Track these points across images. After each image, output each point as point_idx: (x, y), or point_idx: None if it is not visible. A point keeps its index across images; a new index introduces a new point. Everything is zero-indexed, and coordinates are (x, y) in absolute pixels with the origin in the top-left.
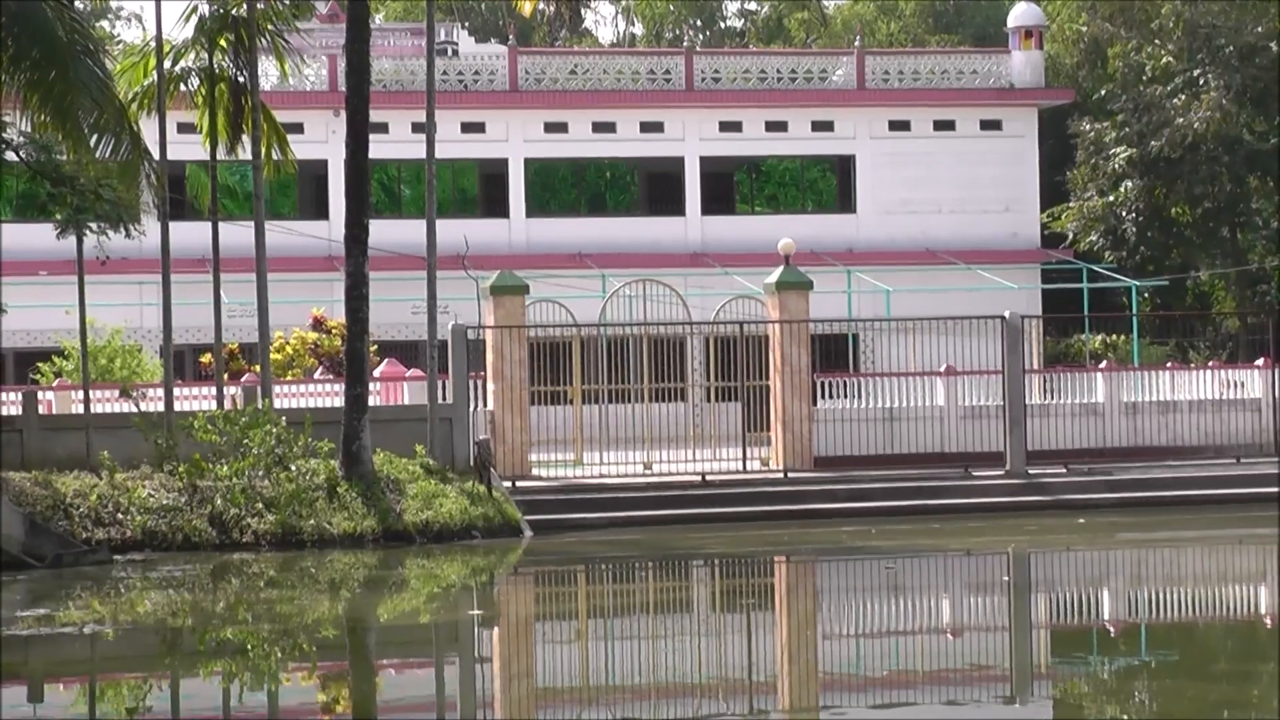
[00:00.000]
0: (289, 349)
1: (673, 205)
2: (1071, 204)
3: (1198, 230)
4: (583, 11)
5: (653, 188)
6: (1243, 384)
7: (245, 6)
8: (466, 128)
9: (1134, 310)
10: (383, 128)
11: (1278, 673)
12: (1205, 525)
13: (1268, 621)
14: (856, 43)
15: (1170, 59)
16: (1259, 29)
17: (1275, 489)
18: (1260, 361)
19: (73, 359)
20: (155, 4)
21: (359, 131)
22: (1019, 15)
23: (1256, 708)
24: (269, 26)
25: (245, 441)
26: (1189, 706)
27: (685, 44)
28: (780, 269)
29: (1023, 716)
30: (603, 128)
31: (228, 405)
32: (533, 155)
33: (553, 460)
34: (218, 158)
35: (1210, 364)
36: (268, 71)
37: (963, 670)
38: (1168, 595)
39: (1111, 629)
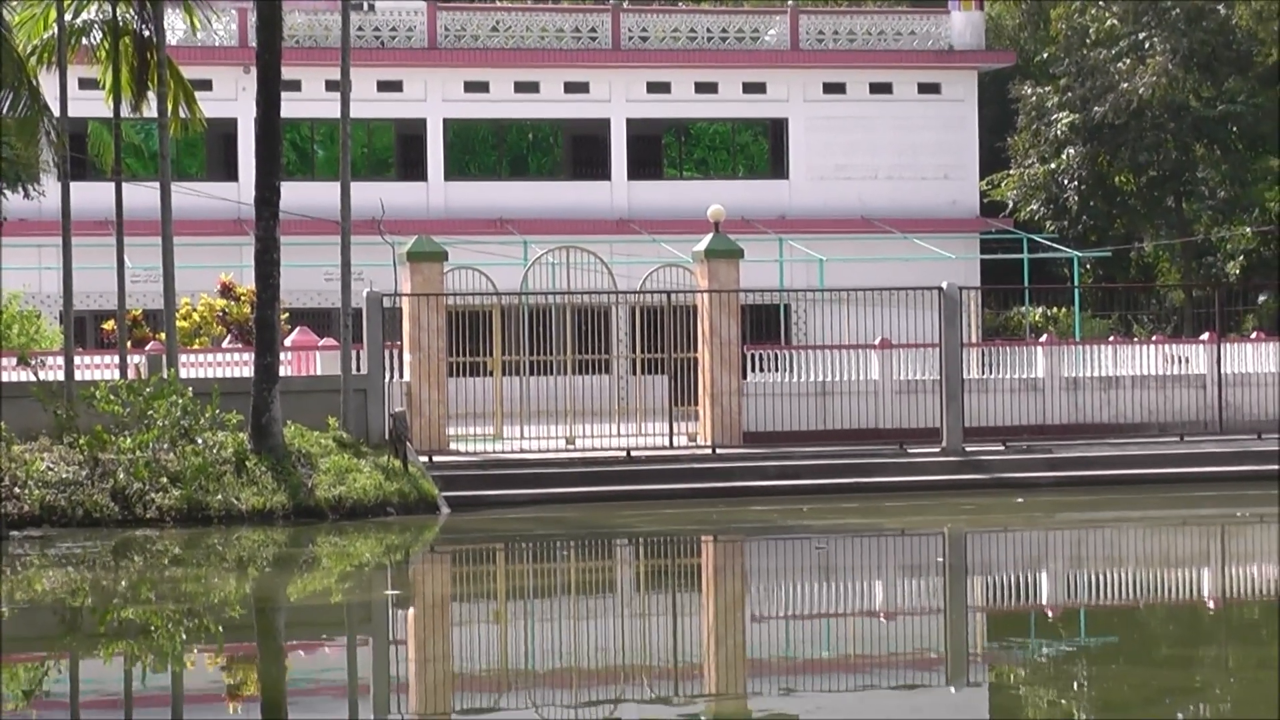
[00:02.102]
0: (196, 316)
1: (598, 169)
2: (1012, 171)
3: (1142, 199)
4: None
5: (577, 151)
6: (1187, 359)
7: None
8: (383, 86)
9: (1075, 282)
10: (295, 85)
11: (1221, 657)
12: (1148, 505)
13: (1210, 605)
14: (790, 2)
15: (1115, 21)
16: None
17: (1214, 469)
18: (1205, 336)
19: None
20: None
21: (270, 89)
22: None
23: (1199, 693)
24: None
25: (149, 413)
26: (1130, 692)
27: (612, 1)
28: (709, 236)
29: (958, 701)
30: (525, 87)
31: (131, 375)
32: (452, 116)
33: (471, 434)
34: (121, 115)
35: (1154, 338)
36: (174, 25)
37: (896, 654)
38: (1108, 578)
39: (1050, 612)
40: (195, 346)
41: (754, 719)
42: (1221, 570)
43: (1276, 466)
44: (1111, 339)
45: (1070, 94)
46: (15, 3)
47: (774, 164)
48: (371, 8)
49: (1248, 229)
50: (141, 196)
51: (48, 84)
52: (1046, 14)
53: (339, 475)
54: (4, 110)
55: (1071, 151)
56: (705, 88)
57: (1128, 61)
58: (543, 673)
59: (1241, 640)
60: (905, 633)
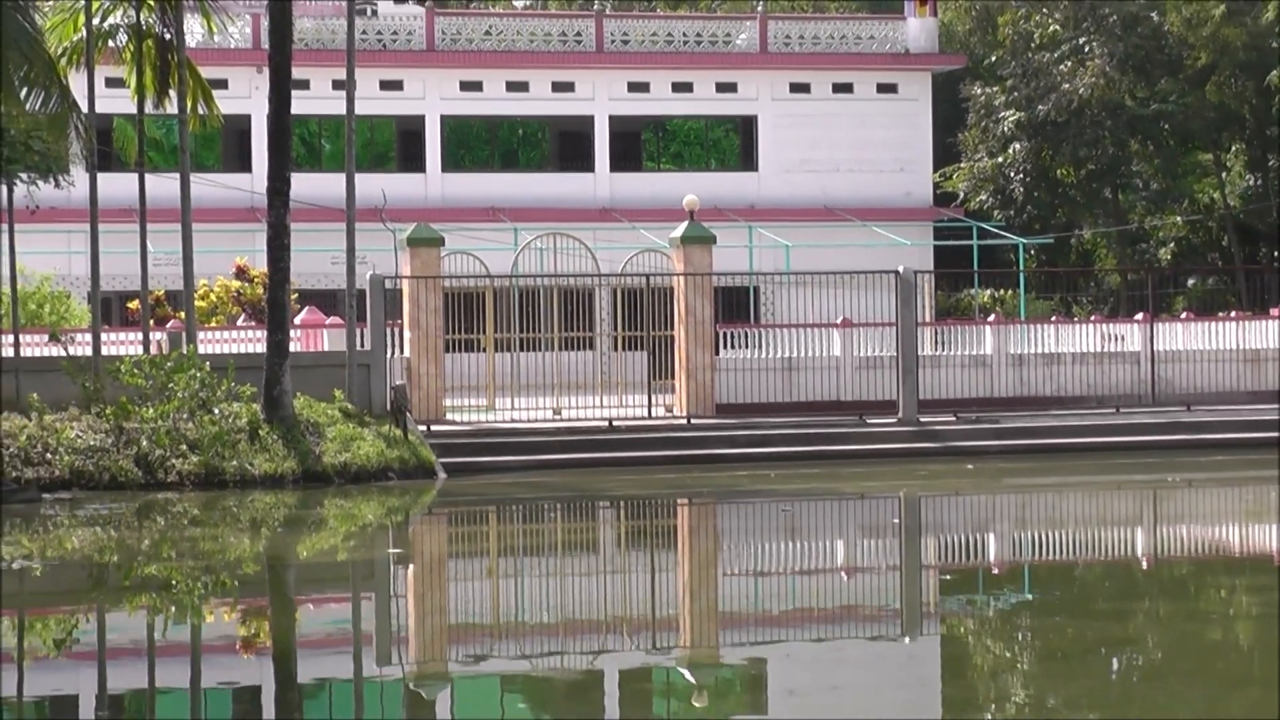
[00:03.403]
0: (213, 296)
1: (583, 162)
2: (962, 165)
3: (1081, 191)
4: None
5: (563, 145)
6: (1123, 337)
7: None
8: (385, 85)
9: (1021, 266)
10: (304, 84)
11: (1153, 610)
12: (1087, 471)
13: (1143, 563)
14: (760, 8)
15: (1057, 27)
16: None
17: (1147, 438)
18: (1139, 316)
19: (3, 304)
20: None
21: (281, 88)
22: None
23: (1133, 643)
24: None
25: (170, 385)
26: (1069, 643)
27: (596, 7)
28: (685, 224)
29: (912, 651)
30: (516, 87)
31: (153, 350)
32: (448, 113)
33: (466, 405)
34: (145, 111)
35: (1092, 318)
36: (193, 29)
37: (855, 608)
38: (1050, 538)
39: (996, 569)
40: (212, 325)
41: (725, 666)
42: (1153, 531)
43: (1205, 436)
44: (1053, 319)
45: (1016, 94)
46: (47, 7)
47: (744, 158)
48: (374, 13)
49: (1178, 218)
50: (163, 187)
51: (77, 83)
52: (994, 20)
53: (344, 443)
54: (36, 107)
55: (1017, 147)
56: (681, 87)
57: (1069, 64)
58: (531, 625)
59: (1171, 595)
60: (864, 588)
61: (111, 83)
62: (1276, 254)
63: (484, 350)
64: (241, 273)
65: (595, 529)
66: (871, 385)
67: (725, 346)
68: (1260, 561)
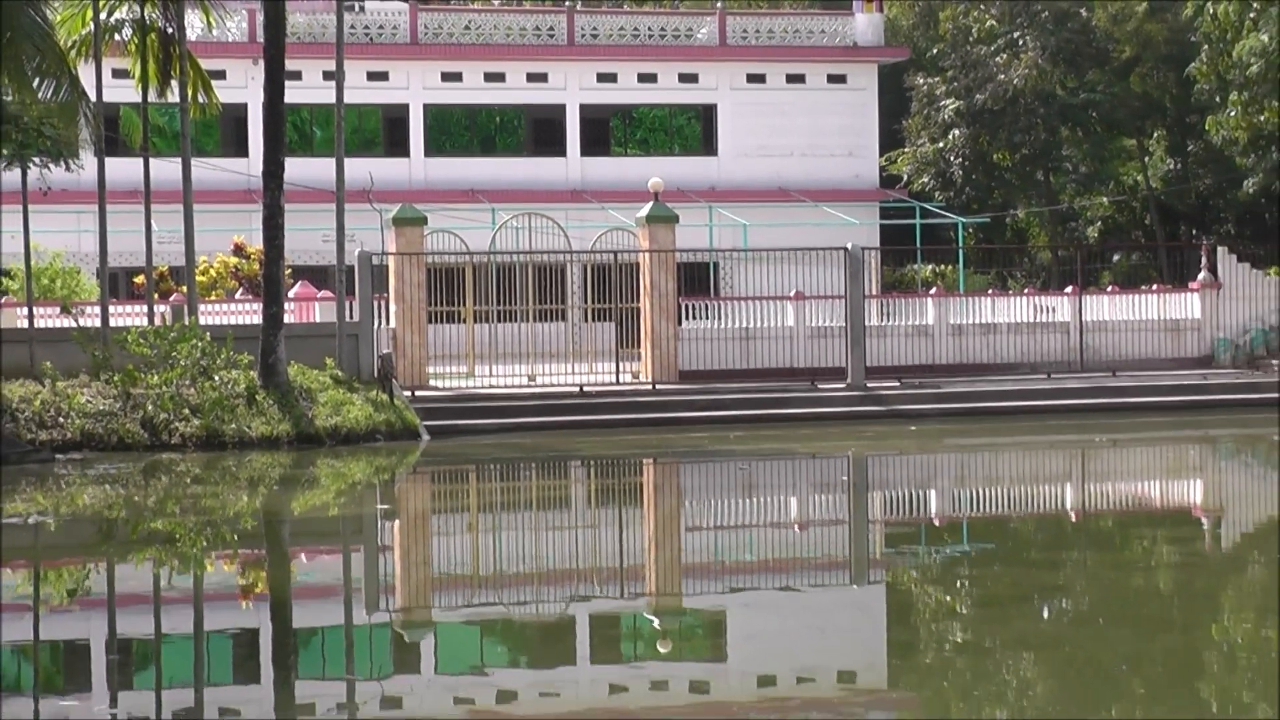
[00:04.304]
0: (213, 272)
1: (555, 147)
2: (906, 150)
3: (1016, 174)
4: None
5: (538, 131)
6: (1054, 309)
7: None
8: (372, 76)
9: (960, 243)
10: (296, 75)
11: (1081, 560)
12: (1021, 432)
13: (1072, 516)
14: (719, 4)
15: (994, 22)
16: None
17: (1076, 401)
18: (1069, 289)
19: (18, 279)
20: None
21: (275, 78)
22: None
23: (1063, 590)
24: None
25: (173, 354)
26: (1005, 589)
27: (567, 3)
28: (650, 204)
29: (859, 597)
30: (493, 77)
31: (158, 322)
32: (431, 101)
33: (448, 373)
34: (148, 100)
35: (1026, 291)
36: (193, 23)
37: (808, 558)
38: (987, 493)
39: (938, 522)
40: (212, 298)
41: (688, 613)
42: (1082, 486)
43: (1129, 399)
44: (990, 292)
45: (955, 84)
46: (57, 3)
47: (705, 143)
48: (362, 8)
49: (1105, 199)
50: (165, 170)
51: (85, 74)
52: (936, 15)
53: (335, 407)
54: (48, 96)
55: (957, 133)
56: (646, 78)
57: (1004, 56)
58: (508, 574)
59: (1098, 545)
60: (816, 540)
61: (118, 73)
62: (1195, 232)
63: (464, 321)
64: (239, 250)
65: (567, 486)
66: (822, 353)
67: (687, 318)
68: (1179, 514)
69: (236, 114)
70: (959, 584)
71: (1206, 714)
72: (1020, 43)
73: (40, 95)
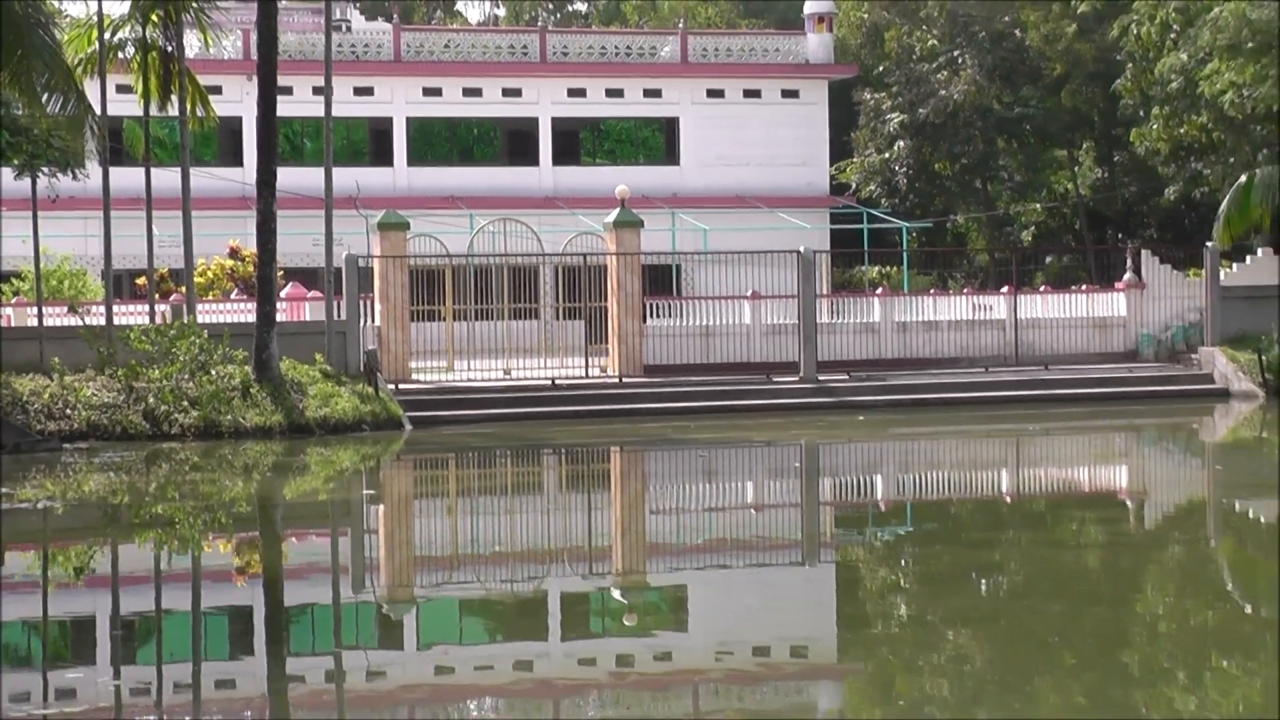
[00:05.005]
0: (210, 274)
1: (529, 157)
2: (854, 159)
3: (956, 182)
4: None
5: (512, 142)
6: (990, 307)
7: None
8: (358, 91)
9: (904, 246)
10: (288, 90)
11: (1016, 539)
12: (960, 421)
13: (1007, 499)
14: (680, 24)
15: (935, 42)
16: (1006, 18)
17: (1011, 393)
18: (1005, 289)
19: (28, 280)
20: None
21: (268, 93)
22: (814, 4)
23: (999, 568)
24: (193, 3)
25: (173, 350)
26: (944, 567)
27: (540, 24)
28: (617, 210)
29: (811, 574)
30: (471, 92)
31: (158, 320)
32: (413, 114)
33: (429, 367)
34: (150, 113)
35: (965, 291)
36: (192, 42)
37: (764, 538)
38: (930, 478)
39: (884, 505)
40: (209, 298)
41: (652, 589)
42: (1016, 471)
43: (1060, 391)
44: (932, 292)
45: (900, 99)
46: (65, 23)
47: (668, 153)
48: (349, 29)
49: (1038, 205)
50: (166, 179)
51: (91, 89)
52: (881, 35)
53: (324, 399)
54: (56, 110)
55: (901, 144)
56: (614, 93)
57: (945, 73)
58: (485, 554)
59: (1032, 525)
60: (770, 521)
61: (121, 89)
62: (1121, 236)
63: (444, 320)
64: (234, 253)
65: (540, 472)
66: (777, 348)
67: (651, 316)
68: (1106, 497)
69: (232, 126)
70: (903, 562)
71: (1130, 680)
72: (959, 61)
73: (49, 109)
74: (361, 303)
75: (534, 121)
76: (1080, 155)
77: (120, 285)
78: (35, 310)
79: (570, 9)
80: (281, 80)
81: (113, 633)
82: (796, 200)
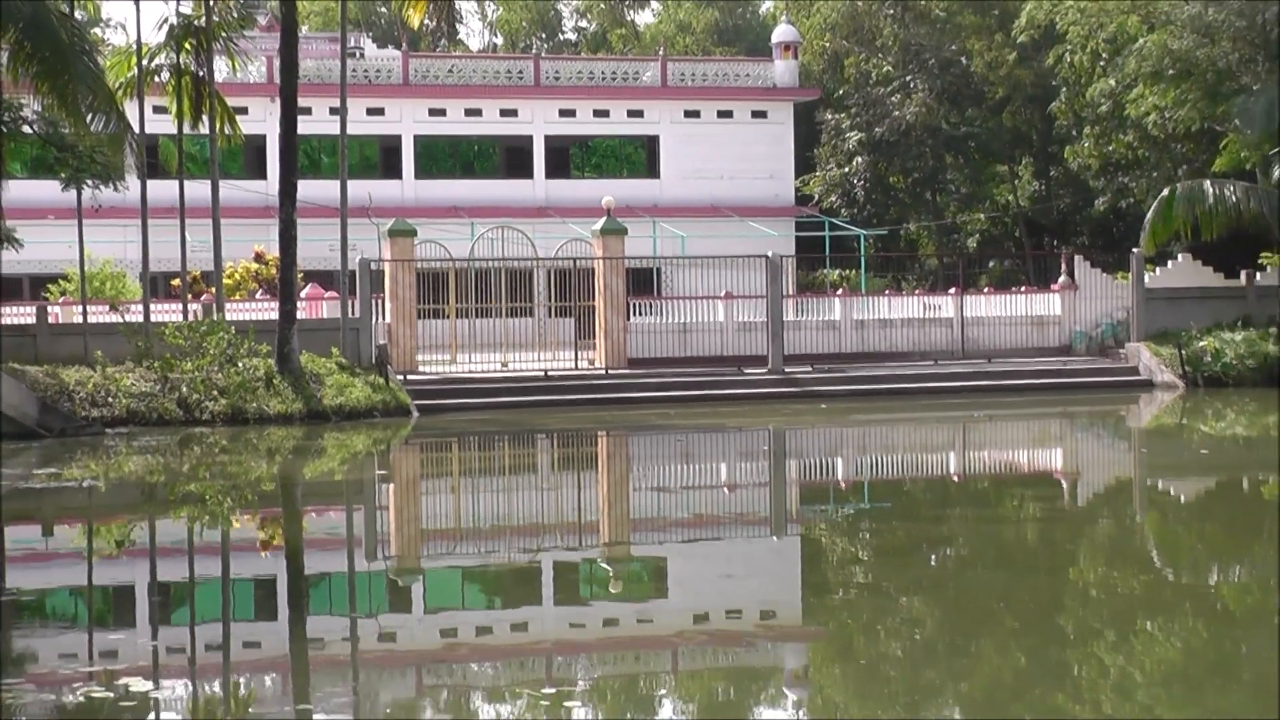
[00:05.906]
0: (237, 276)
1: (524, 171)
2: (817, 173)
3: (908, 194)
4: (457, 26)
5: (509, 158)
6: (940, 307)
7: (204, 19)
8: (370, 111)
9: (862, 252)
10: (307, 111)
11: (964, 515)
12: (913, 409)
13: (955, 479)
14: (661, 52)
15: (890, 68)
16: (953, 47)
17: (958, 383)
18: (952, 290)
19: (74, 282)
20: (136, 16)
21: (289, 113)
22: (780, 34)
23: (948, 541)
24: (223, 34)
25: (204, 345)
26: (900, 541)
27: (534, 51)
28: (603, 219)
29: (779, 546)
30: (472, 113)
31: (191, 318)
32: (420, 132)
33: (434, 360)
34: (183, 131)
35: (916, 292)
36: (220, 67)
37: (736, 514)
38: (886, 460)
39: (844, 484)
40: (236, 298)
41: (636, 560)
42: (964, 454)
43: (1002, 381)
44: (887, 292)
45: (858, 119)
46: (107, 50)
47: (649, 168)
48: (362, 55)
49: (982, 215)
50: (197, 190)
51: (130, 110)
52: (842, 62)
53: (340, 389)
54: (99, 129)
55: (859, 160)
56: (600, 113)
57: (898, 97)
58: (486, 529)
59: (978, 503)
60: (742, 499)
61: (158, 109)
62: (1056, 242)
63: (448, 317)
64: (259, 257)
65: (534, 454)
66: (747, 343)
67: (635, 314)
68: (1043, 476)
69: (257, 143)
70: (861, 536)
71: (1065, 640)
72: (911, 85)
73: (93, 128)
74: (373, 302)
75: (529, 139)
76: (1020, 170)
77: (156, 286)
78: (80, 309)
79: (561, 38)
80: (301, 101)
81: (150, 598)
82: (765, 210)
